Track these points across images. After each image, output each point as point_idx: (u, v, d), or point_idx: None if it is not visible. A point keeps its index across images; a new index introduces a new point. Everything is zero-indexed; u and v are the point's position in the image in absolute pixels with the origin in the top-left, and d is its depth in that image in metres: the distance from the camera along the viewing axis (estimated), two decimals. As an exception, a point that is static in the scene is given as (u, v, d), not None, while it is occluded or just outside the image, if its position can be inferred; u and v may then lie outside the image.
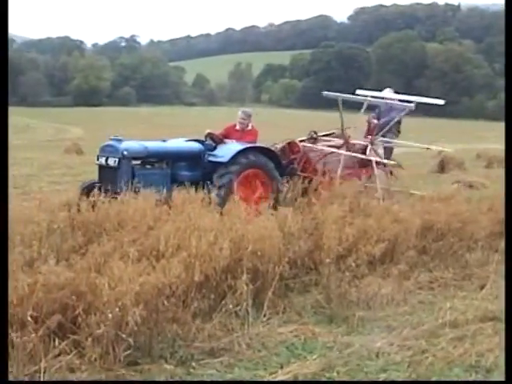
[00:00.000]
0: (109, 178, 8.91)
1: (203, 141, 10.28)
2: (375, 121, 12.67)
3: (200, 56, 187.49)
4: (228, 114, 31.11)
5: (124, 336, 4.85)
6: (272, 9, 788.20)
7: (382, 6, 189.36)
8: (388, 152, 12.96)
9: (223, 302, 5.87)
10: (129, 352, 4.93)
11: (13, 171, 17.30)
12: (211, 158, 9.85)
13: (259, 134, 10.92)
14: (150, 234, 6.47)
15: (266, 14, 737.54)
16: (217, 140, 10.27)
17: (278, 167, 10.28)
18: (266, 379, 4.93)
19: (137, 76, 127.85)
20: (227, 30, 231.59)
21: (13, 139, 34.40)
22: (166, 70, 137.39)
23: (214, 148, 10.06)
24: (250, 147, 10.07)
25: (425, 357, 5.32)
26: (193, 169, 9.96)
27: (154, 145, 9.86)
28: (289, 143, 11.73)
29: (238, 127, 10.90)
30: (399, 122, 12.78)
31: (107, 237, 6.42)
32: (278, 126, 40.16)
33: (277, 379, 4.90)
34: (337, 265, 7.06)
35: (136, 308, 4.87)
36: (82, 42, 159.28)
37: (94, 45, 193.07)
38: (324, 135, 12.37)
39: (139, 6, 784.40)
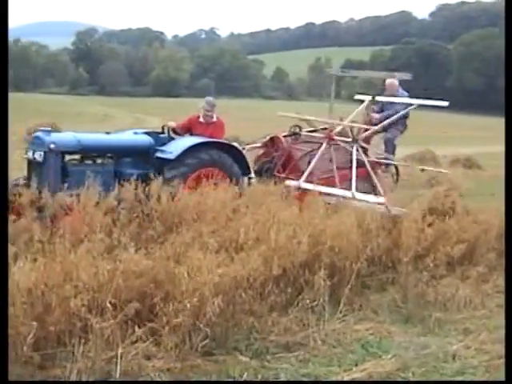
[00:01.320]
0: (36, 175, 7.92)
1: (159, 133, 9.34)
2: (376, 115, 11.46)
3: (279, 50, 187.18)
4: (308, 107, 30.93)
5: (201, 326, 4.91)
6: (353, 4, 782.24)
7: (464, 2, 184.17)
8: (390, 147, 11.54)
9: (300, 297, 5.89)
10: (205, 342, 4.99)
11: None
12: (159, 154, 8.73)
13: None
14: (229, 225, 6.53)
15: (347, 9, 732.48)
16: (179, 133, 9.52)
17: (241, 165, 9.14)
18: (340, 376, 4.91)
19: (216, 68, 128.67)
20: (307, 24, 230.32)
21: (92, 128, 35.35)
22: (245, 62, 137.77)
23: (168, 142, 9.08)
24: (205, 142, 8.95)
25: (502, 362, 5.19)
26: (140, 166, 8.75)
27: (90, 138, 8.83)
28: (271, 138, 10.63)
29: (201, 119, 9.75)
30: (405, 116, 11.46)
31: (186, 227, 6.50)
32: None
33: (352, 377, 4.88)
34: (415, 264, 6.98)
35: (214, 298, 4.92)
36: (162, 34, 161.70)
37: (175, 36, 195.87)
38: (310, 131, 11.09)
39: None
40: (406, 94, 11.76)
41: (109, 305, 4.75)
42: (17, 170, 8.44)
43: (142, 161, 8.83)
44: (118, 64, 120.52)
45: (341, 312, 6.06)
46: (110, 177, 8.25)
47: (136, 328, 4.86)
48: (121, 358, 4.64)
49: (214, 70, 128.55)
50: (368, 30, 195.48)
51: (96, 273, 4.89)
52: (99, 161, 8.60)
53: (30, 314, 4.56)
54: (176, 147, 8.67)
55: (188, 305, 4.85)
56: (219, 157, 8.87)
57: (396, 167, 11.39)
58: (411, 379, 4.94)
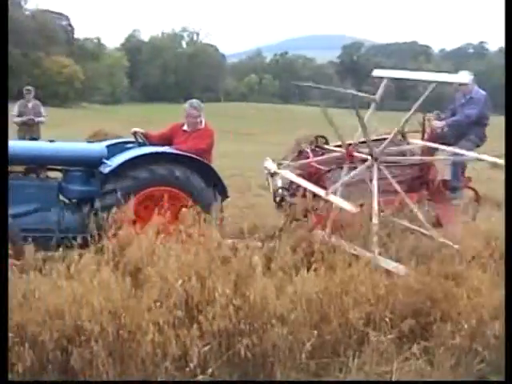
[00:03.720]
0: None
1: (126, 142, 7.99)
2: (438, 122, 9.16)
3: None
4: None
5: (479, 349, 4.81)
6: None
7: None
8: (456, 168, 8.99)
9: None
10: (481, 366, 4.87)
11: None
12: (101, 168, 7.22)
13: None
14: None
15: None
16: (156, 143, 7.87)
17: (214, 187, 7.39)
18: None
19: (485, 84, 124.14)
20: None
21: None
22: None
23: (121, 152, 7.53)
24: (156, 154, 7.26)
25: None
26: (87, 182, 7.45)
27: (21, 146, 7.63)
28: (299, 152, 8.75)
29: (185, 127, 8.08)
30: (484, 123, 9.29)
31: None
32: None
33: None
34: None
35: (493, 321, 4.81)
36: (428, 47, 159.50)
37: (441, 50, 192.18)
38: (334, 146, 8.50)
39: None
40: (482, 93, 9.46)
41: (386, 319, 4.85)
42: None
43: (90, 176, 7.51)
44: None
45: None
46: (52, 194, 7.29)
47: (409, 345, 4.87)
48: (394, 374, 4.68)
49: (483, 85, 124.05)
50: None
51: (374, 286, 5.01)
52: (34, 175, 7.43)
53: (308, 322, 4.80)
54: (119, 159, 7.16)
55: (465, 326, 4.79)
56: (183, 174, 7.20)
57: (473, 189, 8.91)
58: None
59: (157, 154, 7.24)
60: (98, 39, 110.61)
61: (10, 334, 4.28)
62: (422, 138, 8.64)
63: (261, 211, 9.91)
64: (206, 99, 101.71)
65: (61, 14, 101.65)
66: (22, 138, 13.61)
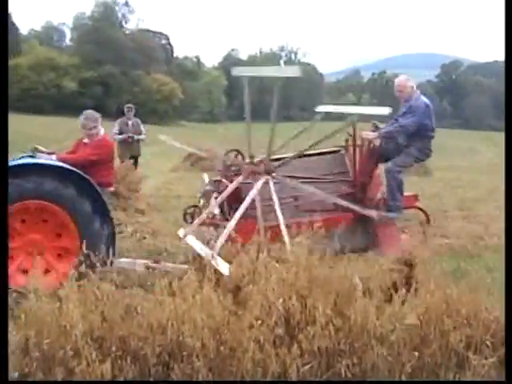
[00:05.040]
0: None
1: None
2: (370, 134, 8.25)
3: None
4: None
5: None
6: None
7: None
8: (392, 182, 8.06)
9: None
10: None
11: (459, 193, 17.82)
12: None
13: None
14: None
15: None
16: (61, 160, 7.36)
17: (93, 202, 6.87)
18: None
19: None
20: None
21: (457, 161, 35.22)
22: None
23: None
24: (22, 166, 6.78)
25: None
26: None
27: None
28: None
29: (85, 140, 7.94)
30: (426, 135, 8.27)
31: None
32: None
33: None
34: None
35: None
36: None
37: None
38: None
39: None
40: (423, 101, 8.33)
41: (487, 343, 4.78)
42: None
43: None
44: (483, 97, 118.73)
45: None
46: None
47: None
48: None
49: None
50: None
51: (476, 309, 4.95)
52: None
53: (408, 343, 4.78)
54: None
55: None
56: (52, 186, 6.75)
57: (422, 210, 8.49)
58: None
59: (23, 166, 6.81)
60: (197, 58, 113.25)
61: (113, 348, 4.46)
62: (354, 151, 8.01)
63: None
64: (303, 118, 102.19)
65: (160, 34, 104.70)
66: (122, 155, 14.02)
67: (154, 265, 6.97)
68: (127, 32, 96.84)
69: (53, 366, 4.36)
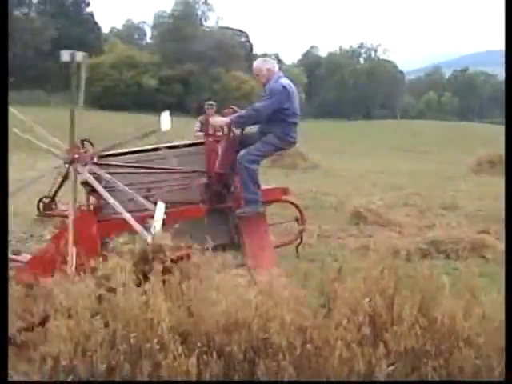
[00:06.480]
0: None
1: None
2: (220, 119, 7.71)
3: None
4: None
5: None
6: None
7: None
8: (243, 173, 7.42)
9: None
10: None
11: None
12: None
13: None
14: None
15: None
16: None
17: None
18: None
19: None
20: None
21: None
22: None
23: None
24: None
25: None
26: None
27: None
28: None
29: None
30: (287, 120, 7.56)
31: None
32: None
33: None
34: None
35: None
36: None
37: None
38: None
39: None
40: (280, 83, 7.57)
41: None
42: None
43: None
44: None
45: None
46: None
47: None
48: None
49: None
50: None
51: None
52: None
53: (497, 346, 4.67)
54: None
55: None
56: None
57: (295, 205, 8.01)
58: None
59: None
60: (276, 55, 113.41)
61: (198, 343, 4.52)
62: (207, 137, 7.58)
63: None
64: (382, 116, 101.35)
65: (240, 31, 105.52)
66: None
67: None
68: (207, 30, 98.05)
69: (139, 359, 4.44)
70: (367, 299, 4.70)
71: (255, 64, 7.89)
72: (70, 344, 4.43)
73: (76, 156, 6.55)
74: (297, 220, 7.99)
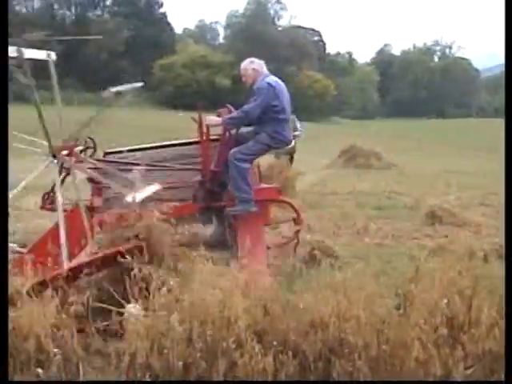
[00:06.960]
0: None
1: None
2: (213, 119, 7.78)
3: None
4: None
5: None
6: None
7: None
8: (233, 172, 7.53)
9: None
10: None
11: None
12: None
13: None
14: None
15: None
16: None
17: None
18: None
19: None
20: None
21: None
22: None
23: None
24: None
25: None
26: None
27: None
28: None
29: None
30: (277, 118, 7.63)
31: None
32: None
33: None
34: None
35: None
36: None
37: None
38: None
39: None
40: (265, 81, 7.65)
41: None
42: None
43: None
44: None
45: None
46: None
47: None
48: None
49: None
50: None
51: None
52: None
53: None
54: None
55: None
56: None
57: (291, 205, 8.10)
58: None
59: None
60: (350, 54, 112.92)
61: (274, 342, 4.55)
62: (201, 138, 7.74)
63: None
64: (458, 115, 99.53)
65: (313, 30, 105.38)
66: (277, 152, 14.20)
67: None
68: (280, 29, 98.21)
69: (216, 357, 4.48)
70: (445, 300, 4.65)
71: (241, 65, 8.01)
72: (146, 341, 4.50)
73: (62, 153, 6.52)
74: (294, 220, 8.08)
